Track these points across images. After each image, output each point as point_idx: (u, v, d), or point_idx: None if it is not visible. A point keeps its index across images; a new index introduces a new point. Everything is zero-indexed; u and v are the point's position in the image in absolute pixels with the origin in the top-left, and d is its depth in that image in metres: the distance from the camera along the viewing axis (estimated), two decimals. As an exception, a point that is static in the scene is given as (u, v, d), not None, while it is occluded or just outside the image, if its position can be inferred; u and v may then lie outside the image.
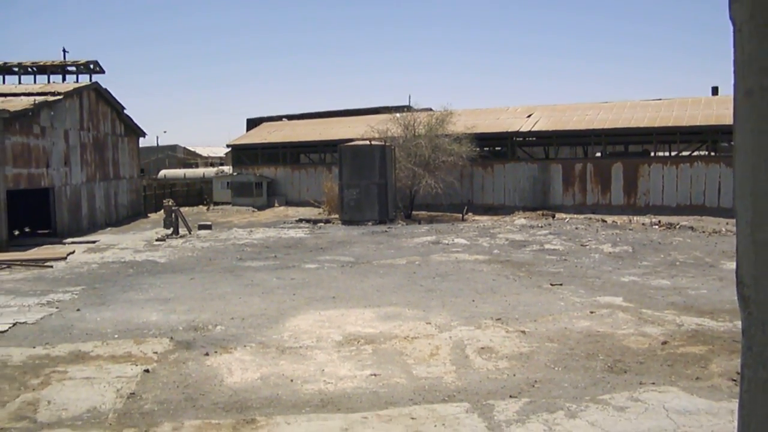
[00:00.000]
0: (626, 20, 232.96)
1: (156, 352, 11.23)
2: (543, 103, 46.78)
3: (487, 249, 22.98)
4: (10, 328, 13.33)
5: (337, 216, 36.57)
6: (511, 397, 8.75)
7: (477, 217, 37.38)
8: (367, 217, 33.84)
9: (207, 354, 11.00)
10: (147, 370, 10.23)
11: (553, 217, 34.61)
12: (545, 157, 44.12)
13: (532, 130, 41.26)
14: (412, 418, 8.13)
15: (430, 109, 43.61)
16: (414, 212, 38.84)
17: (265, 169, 51.31)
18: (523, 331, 11.91)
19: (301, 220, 36.48)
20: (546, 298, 14.81)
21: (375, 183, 34.36)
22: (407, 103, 48.91)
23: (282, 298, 15.35)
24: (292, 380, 9.60)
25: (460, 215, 37.86)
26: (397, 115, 41.57)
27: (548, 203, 39.65)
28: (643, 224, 30.12)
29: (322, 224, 34.49)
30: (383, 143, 36.14)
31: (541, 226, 29.79)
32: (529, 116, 43.10)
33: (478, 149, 38.69)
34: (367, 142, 36.04)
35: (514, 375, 9.60)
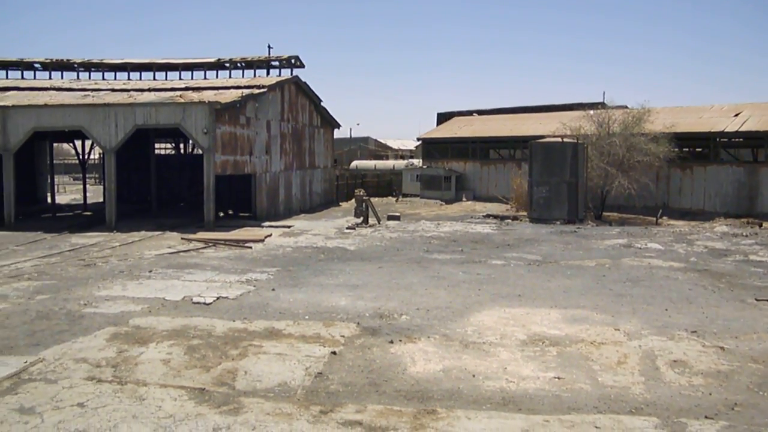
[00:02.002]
0: None
1: (343, 336, 11.67)
2: (753, 101, 43.07)
3: (683, 256, 21.67)
4: (214, 301, 14.45)
5: (524, 213, 36.04)
6: (706, 418, 8.17)
7: (672, 222, 35.35)
8: (556, 215, 33.08)
9: (391, 342, 11.27)
10: (334, 352, 10.66)
11: (761, 225, 31.90)
12: (753, 159, 40.71)
13: (740, 130, 38.16)
14: (596, 428, 7.85)
15: (626, 107, 41.69)
16: (604, 213, 37.40)
17: (454, 163, 51.62)
18: (722, 348, 11.11)
19: (488, 216, 36.31)
20: (750, 314, 13.70)
21: (565, 181, 33.49)
22: (601, 100, 47.18)
23: (467, 293, 15.40)
24: (473, 375, 9.61)
25: (654, 219, 35.97)
26: (591, 112, 40.12)
27: (755, 210, 36.58)
28: None
29: (510, 221, 34.15)
30: (575, 141, 35.11)
31: (746, 235, 27.63)
32: (737, 115, 39.95)
33: (676, 150, 36.48)
34: (559, 140, 35.16)
35: (710, 394, 8.97)
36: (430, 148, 55.17)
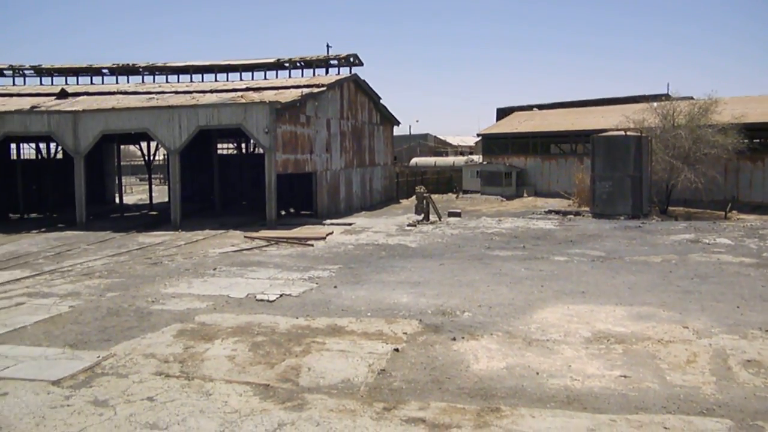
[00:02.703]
0: None
1: (405, 333, 11.67)
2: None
3: (755, 251, 20.97)
4: (277, 298, 14.63)
5: (587, 208, 35.48)
6: (784, 420, 7.87)
7: (742, 216, 34.25)
8: (620, 210, 32.46)
9: (454, 339, 11.22)
10: (397, 349, 10.67)
11: (837, 219, 30.71)
12: (830, 150, 39.11)
13: (815, 119, 36.74)
14: (665, 428, 7.65)
15: (692, 98, 40.60)
16: (670, 208, 36.52)
17: (514, 159, 51.10)
18: (799, 346, 10.70)
19: (550, 212, 35.85)
20: (827, 311, 13.17)
21: (629, 175, 32.83)
22: (665, 92, 46.03)
23: (530, 289, 15.22)
24: (537, 373, 9.49)
25: (723, 213, 34.94)
26: (655, 104, 39.18)
27: (831, 203, 35.18)
28: None
29: (572, 216, 33.66)
30: (639, 134, 34.38)
31: (822, 229, 26.58)
32: (812, 104, 38.50)
33: (746, 141, 35.33)
34: (622, 133, 34.50)
35: (788, 395, 8.64)
36: (490, 143, 54.74)
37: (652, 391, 8.78)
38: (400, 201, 47.09)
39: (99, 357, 10.49)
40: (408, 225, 29.49)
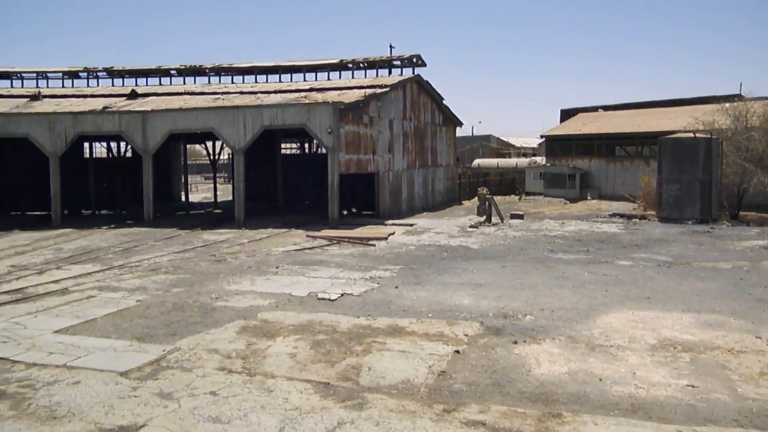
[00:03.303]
0: None
1: (466, 335, 11.62)
2: None
3: (831, 259, 20.19)
4: (338, 297, 14.75)
5: (653, 212, 34.66)
6: None
7: (820, 222, 32.94)
8: (687, 215, 31.61)
9: (515, 342, 11.11)
10: (457, 351, 10.63)
11: None
12: None
13: None
14: (736, 441, 7.42)
15: (766, 98, 39.24)
16: (741, 213, 35.38)
17: (578, 161, 50.31)
18: None
19: (614, 215, 35.17)
20: None
21: (697, 179, 31.92)
22: (738, 92, 44.61)
23: (593, 294, 14.97)
24: (600, 379, 9.32)
25: (799, 219, 33.69)
26: (726, 105, 38.01)
27: None
28: None
29: (637, 220, 32.95)
30: (709, 136, 33.41)
31: None
32: None
33: (827, 143, 33.93)
34: (691, 135, 33.59)
35: None
36: (553, 145, 54.02)
37: (721, 403, 8.52)
38: (462, 202, 46.84)
39: (164, 350, 10.76)
40: (470, 226, 29.34)
